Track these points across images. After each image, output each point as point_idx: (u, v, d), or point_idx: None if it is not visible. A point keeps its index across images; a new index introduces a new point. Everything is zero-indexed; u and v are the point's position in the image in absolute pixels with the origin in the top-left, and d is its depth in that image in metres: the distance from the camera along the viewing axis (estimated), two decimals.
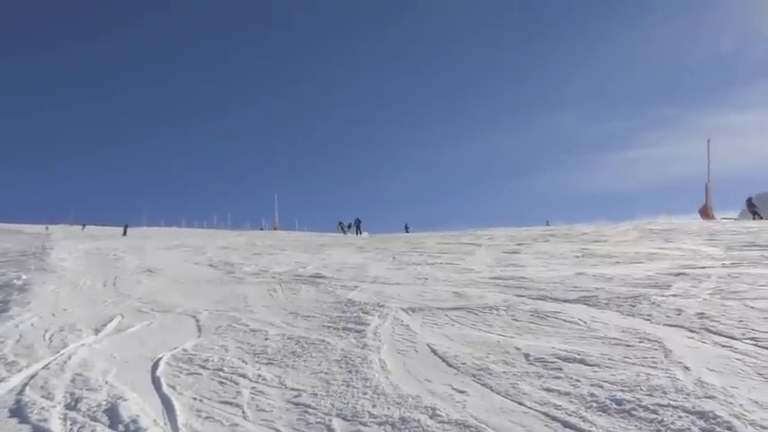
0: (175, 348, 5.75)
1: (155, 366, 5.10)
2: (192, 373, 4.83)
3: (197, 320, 7.36)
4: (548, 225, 28.32)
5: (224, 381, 4.55)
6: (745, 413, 2.96)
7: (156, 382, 4.61)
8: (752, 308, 5.32)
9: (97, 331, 6.98)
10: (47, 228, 41.74)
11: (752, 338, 4.35)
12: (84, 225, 45.94)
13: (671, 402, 3.20)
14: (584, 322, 5.31)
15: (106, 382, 4.63)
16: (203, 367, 4.99)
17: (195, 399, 4.14)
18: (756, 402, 3.10)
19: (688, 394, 3.30)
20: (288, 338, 5.83)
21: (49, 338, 6.61)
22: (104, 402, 4.10)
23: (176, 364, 5.18)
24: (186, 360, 5.29)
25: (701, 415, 2.98)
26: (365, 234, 34.72)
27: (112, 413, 3.87)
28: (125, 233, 39.36)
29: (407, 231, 35.23)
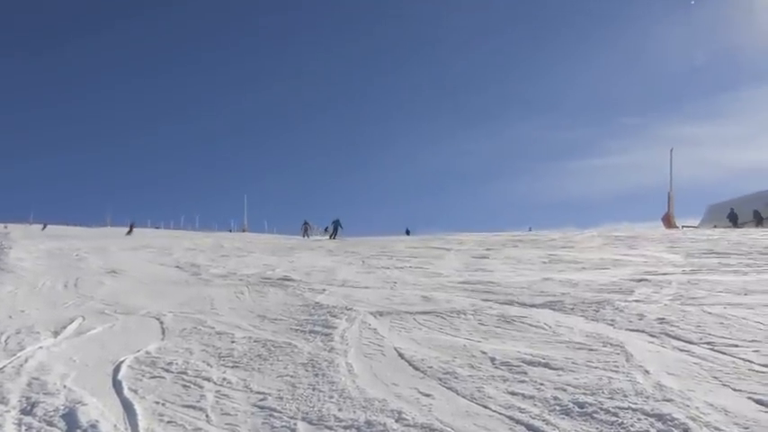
0: (138, 351, 5.63)
1: (116, 370, 4.97)
2: (154, 377, 4.73)
3: (161, 323, 7.23)
4: (530, 230, 28.63)
5: (188, 384, 4.47)
6: (701, 415, 3.04)
7: (117, 386, 4.50)
8: (709, 313, 5.48)
9: (56, 334, 6.79)
10: (5, 227, 40.33)
11: (708, 343, 4.48)
12: (44, 225, 44.03)
13: (631, 405, 3.26)
14: (550, 327, 5.38)
15: (64, 387, 4.50)
16: (167, 370, 4.90)
17: (158, 403, 4.06)
18: (711, 405, 3.18)
19: (647, 397, 3.37)
20: (254, 341, 5.77)
21: (5, 341, 6.40)
22: (62, 407, 3.99)
23: (139, 367, 5.07)
24: (149, 363, 5.18)
25: (660, 417, 3.05)
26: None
27: (70, 418, 3.76)
28: (130, 232, 38.32)
29: (408, 235, 33.98)
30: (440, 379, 4.09)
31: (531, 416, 3.27)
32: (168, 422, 3.67)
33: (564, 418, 3.20)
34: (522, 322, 5.65)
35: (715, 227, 28.91)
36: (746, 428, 2.89)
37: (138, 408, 3.94)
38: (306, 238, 33.84)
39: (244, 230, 51.30)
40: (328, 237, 32.58)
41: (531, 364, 4.22)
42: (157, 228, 50.12)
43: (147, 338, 6.34)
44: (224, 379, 4.53)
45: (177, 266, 15.03)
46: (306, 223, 37.79)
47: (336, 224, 32.71)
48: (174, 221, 53.88)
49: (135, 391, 4.34)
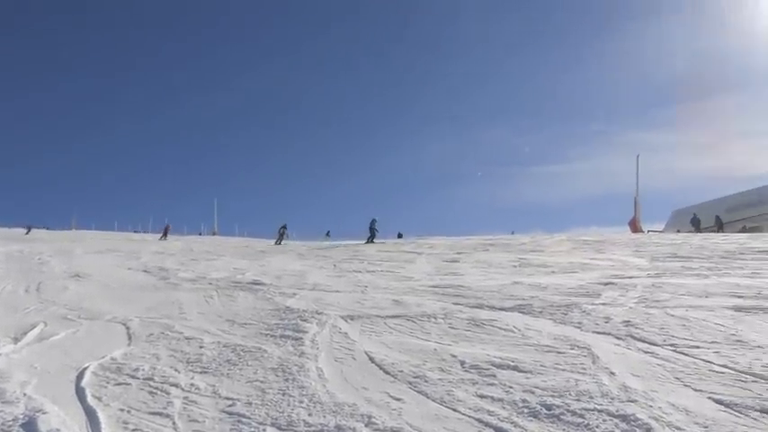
0: (103, 357, 5.50)
1: (79, 377, 4.84)
2: (120, 384, 4.62)
3: (127, 328, 7.08)
4: (512, 234, 28.88)
5: (154, 391, 4.39)
6: (663, 415, 3.12)
7: (80, 394, 4.38)
8: (672, 316, 5.62)
9: (16, 340, 6.59)
10: None
11: (671, 345, 4.59)
12: (29, 228, 42.00)
13: (597, 407, 3.32)
14: (519, 330, 5.45)
15: (24, 395, 4.35)
16: (133, 377, 4.80)
17: (122, 410, 3.97)
18: (673, 405, 3.27)
19: (613, 398, 3.44)
20: (223, 346, 5.70)
21: None
22: (21, 416, 3.84)
23: (103, 373, 4.94)
24: (114, 370, 5.07)
25: (624, 418, 3.12)
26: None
27: (30, 427, 3.63)
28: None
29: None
30: (410, 383, 4.10)
31: (499, 418, 3.30)
32: (133, 430, 3.60)
33: (532, 421, 3.24)
34: (492, 325, 5.70)
35: (678, 231, 29.64)
36: (706, 428, 2.97)
37: (101, 415, 3.85)
38: (280, 244, 30.28)
39: (214, 234, 50.74)
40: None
41: (500, 366, 4.27)
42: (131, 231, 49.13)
43: (113, 344, 6.20)
44: (192, 385, 4.46)
45: (145, 270, 14.79)
46: (283, 227, 33.38)
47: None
48: (143, 225, 52.95)
49: (99, 399, 4.23)
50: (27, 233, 37.06)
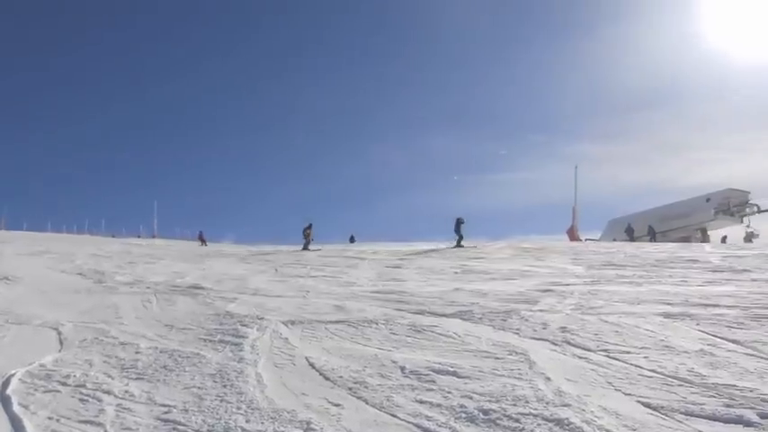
0: (31, 364, 5.28)
1: (5, 384, 4.64)
2: (49, 391, 4.44)
3: (59, 333, 6.81)
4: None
5: (86, 398, 4.23)
6: (595, 419, 3.22)
7: (5, 401, 4.21)
8: (606, 322, 5.83)
9: None
10: None
11: (604, 350, 4.76)
12: None
13: (532, 411, 3.40)
14: (459, 336, 5.52)
15: None
16: (63, 384, 4.62)
17: (51, 418, 3.82)
18: (605, 409, 3.38)
19: (548, 403, 3.53)
20: (160, 352, 5.55)
21: None
22: None
23: (31, 380, 4.75)
24: (43, 376, 4.86)
25: (558, 422, 3.20)
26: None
27: None
28: None
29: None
30: (350, 388, 4.10)
31: (437, 423, 3.33)
32: None
33: (469, 426, 3.29)
34: (433, 332, 5.76)
35: (615, 240, 30.76)
36: (634, 430, 3.09)
37: (28, 424, 3.71)
38: (308, 249, 25.20)
39: (154, 236, 49.31)
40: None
41: (439, 372, 4.31)
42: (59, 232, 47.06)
43: (43, 350, 5.95)
44: (126, 391, 4.32)
45: (80, 273, 14.23)
46: (308, 228, 28.33)
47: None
48: (78, 225, 50.85)
49: (26, 407, 4.06)
50: None
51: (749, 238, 32.17)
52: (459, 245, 21.66)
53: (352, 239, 35.26)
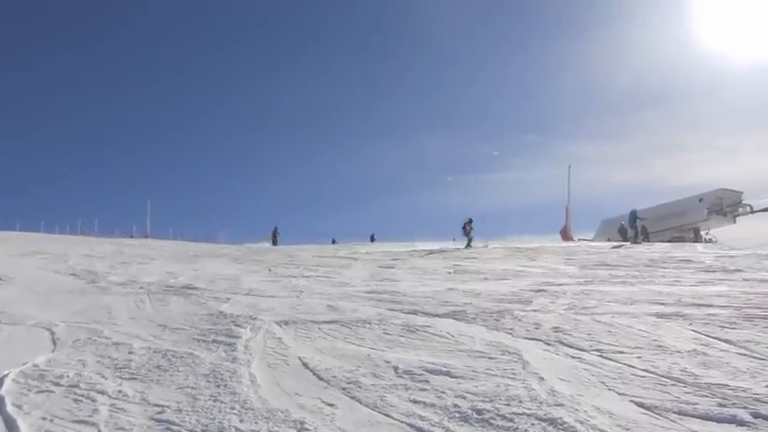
0: (25, 364, 5.25)
1: None
2: (42, 391, 4.43)
3: (52, 333, 6.78)
4: (453, 241, 28.98)
5: (80, 398, 4.22)
6: (588, 419, 3.22)
7: None
8: (599, 322, 5.85)
9: None
10: None
11: (597, 350, 4.77)
12: None
13: (525, 411, 3.41)
14: (453, 336, 5.52)
15: None
16: (56, 384, 4.60)
17: (45, 419, 3.81)
18: (598, 408, 3.39)
19: (541, 403, 3.53)
20: (154, 352, 5.54)
21: None
22: None
23: (25, 381, 4.73)
24: (37, 377, 4.85)
25: (551, 421, 3.20)
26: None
27: None
28: None
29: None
30: (343, 388, 4.09)
31: (431, 423, 3.33)
32: None
33: (462, 426, 3.29)
34: (426, 331, 5.76)
35: (609, 240, 30.86)
36: (627, 430, 3.09)
37: (21, 424, 3.70)
38: (470, 246, 24.12)
39: (146, 236, 49.10)
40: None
41: (433, 372, 4.31)
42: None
43: (36, 350, 5.93)
44: (120, 392, 4.31)
45: (73, 274, 14.15)
46: (468, 222, 29.30)
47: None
48: (71, 226, 50.54)
49: (19, 407, 4.05)
50: None
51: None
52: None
53: (372, 238, 34.90)
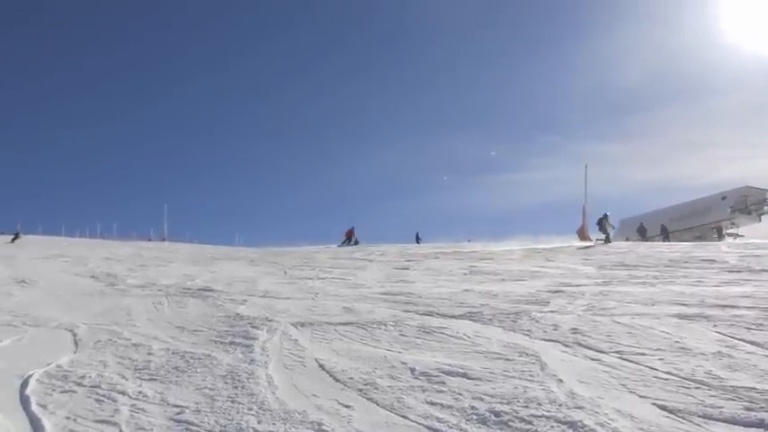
0: (48, 365, 5.34)
1: (24, 384, 4.71)
2: (66, 391, 4.49)
3: (74, 335, 6.89)
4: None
5: (101, 398, 4.27)
6: (609, 421, 3.16)
7: (24, 402, 4.27)
8: (618, 323, 5.74)
9: None
10: None
11: (617, 352, 4.68)
12: (16, 235, 38.90)
13: (544, 413, 3.35)
14: (469, 337, 5.47)
15: None
16: (79, 384, 4.67)
17: (68, 418, 3.86)
18: (619, 411, 3.32)
19: (560, 405, 3.47)
20: (172, 353, 5.57)
21: None
22: None
23: (49, 381, 4.81)
24: (60, 377, 4.92)
25: (571, 424, 3.14)
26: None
27: None
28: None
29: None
30: (360, 390, 4.07)
31: (448, 425, 3.29)
32: None
33: (480, 427, 3.24)
34: (442, 333, 5.72)
35: (627, 239, 30.52)
36: None
37: (46, 423, 3.75)
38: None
39: (164, 240, 49.53)
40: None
41: (449, 374, 4.27)
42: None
43: (59, 351, 6.03)
44: (140, 392, 4.35)
45: (93, 276, 14.35)
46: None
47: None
48: (91, 229, 51.20)
49: (44, 407, 4.12)
50: (14, 240, 34.55)
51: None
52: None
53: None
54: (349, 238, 33.18)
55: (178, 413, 3.82)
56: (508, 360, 4.60)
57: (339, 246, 30.87)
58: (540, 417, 3.30)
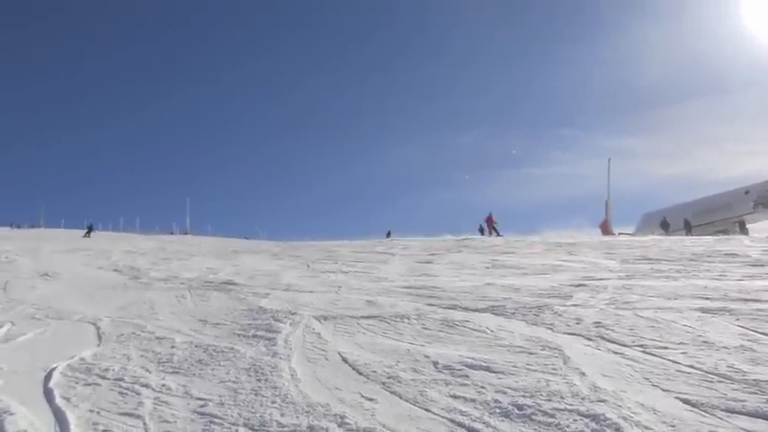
0: (72, 358, 5.41)
1: (47, 377, 4.76)
2: (89, 384, 4.55)
3: (97, 328, 6.98)
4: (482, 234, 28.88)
5: (125, 391, 4.32)
6: (632, 415, 3.16)
7: (48, 395, 4.31)
8: (641, 317, 5.72)
9: None
10: None
11: (640, 345, 4.67)
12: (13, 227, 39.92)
13: (567, 407, 3.37)
14: (492, 331, 5.49)
15: None
16: (102, 377, 4.73)
17: (92, 411, 3.91)
18: (642, 405, 3.32)
19: (583, 398, 3.48)
20: (195, 346, 5.65)
21: None
22: None
23: (72, 374, 4.87)
24: (84, 370, 4.99)
25: (594, 418, 3.16)
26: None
27: None
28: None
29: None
30: (383, 383, 4.11)
31: (471, 418, 3.32)
32: (103, 430, 3.55)
33: (503, 421, 3.27)
34: (465, 326, 5.74)
35: (653, 233, 30.16)
36: (673, 427, 3.03)
37: (70, 416, 3.79)
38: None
39: (186, 233, 50.13)
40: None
41: (472, 367, 4.29)
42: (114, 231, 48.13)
43: (82, 344, 6.12)
44: (163, 385, 4.41)
45: (116, 270, 14.58)
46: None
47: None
48: (114, 223, 52.03)
49: (68, 399, 4.17)
50: (88, 234, 35.82)
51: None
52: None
53: (388, 234, 34.83)
54: (491, 227, 29.15)
55: (201, 406, 3.87)
56: (531, 354, 4.61)
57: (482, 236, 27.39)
58: (563, 410, 3.32)
